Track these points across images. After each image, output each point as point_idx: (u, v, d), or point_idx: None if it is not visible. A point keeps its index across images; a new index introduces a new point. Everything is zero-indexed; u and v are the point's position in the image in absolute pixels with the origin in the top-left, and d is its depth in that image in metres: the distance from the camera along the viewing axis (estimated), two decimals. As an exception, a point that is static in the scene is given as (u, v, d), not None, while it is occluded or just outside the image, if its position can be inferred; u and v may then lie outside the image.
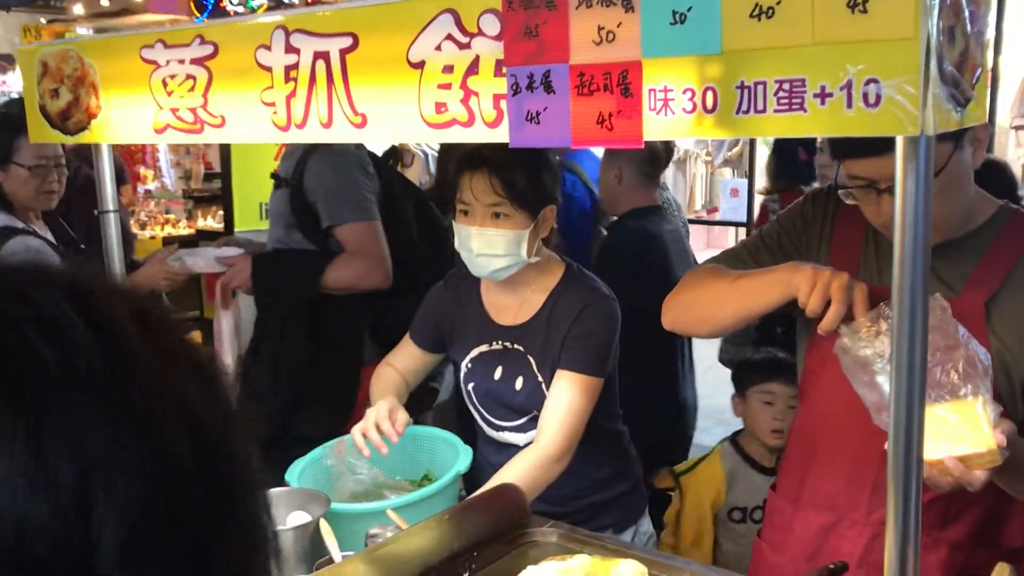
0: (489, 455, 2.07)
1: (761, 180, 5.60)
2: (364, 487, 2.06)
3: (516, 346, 2.02)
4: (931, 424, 1.16)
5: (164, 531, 0.44)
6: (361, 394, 2.81)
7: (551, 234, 2.02)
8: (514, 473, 1.83)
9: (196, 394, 0.47)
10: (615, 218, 3.46)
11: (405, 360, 2.17)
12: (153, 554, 0.43)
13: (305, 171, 2.64)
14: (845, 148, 1.55)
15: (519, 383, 2.01)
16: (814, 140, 3.97)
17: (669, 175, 4.65)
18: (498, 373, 2.03)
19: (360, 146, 2.76)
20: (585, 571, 1.52)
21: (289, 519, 1.82)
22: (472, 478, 2.08)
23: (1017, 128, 7.49)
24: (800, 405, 1.85)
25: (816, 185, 4.00)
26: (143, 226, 8.30)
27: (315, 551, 1.75)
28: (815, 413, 1.77)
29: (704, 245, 9.21)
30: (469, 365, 2.06)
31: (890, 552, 1.05)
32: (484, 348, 2.04)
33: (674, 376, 3.37)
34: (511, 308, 2.04)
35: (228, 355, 2.78)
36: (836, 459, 1.72)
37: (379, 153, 3.15)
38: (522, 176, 1.89)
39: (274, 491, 1.90)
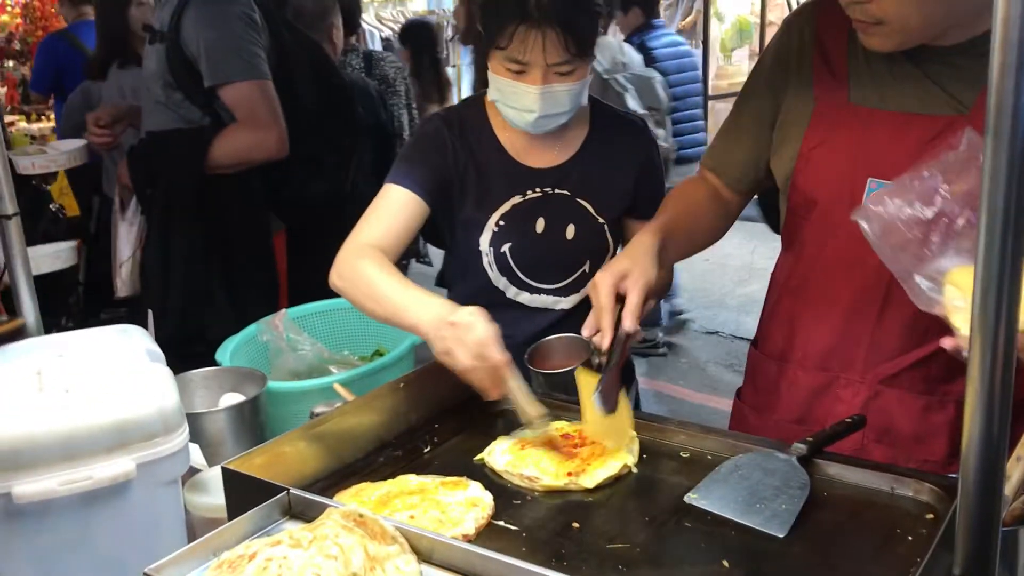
0: (505, 326, 1.45)
1: (715, 49, 5.32)
2: (307, 364, 1.87)
3: (560, 191, 1.76)
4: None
5: None
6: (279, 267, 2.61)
7: None
8: None
9: None
10: None
11: (390, 226, 1.64)
12: None
13: (182, 22, 2.32)
14: None
15: (570, 231, 1.76)
16: None
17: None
18: (540, 225, 1.75)
19: None
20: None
21: (222, 400, 1.62)
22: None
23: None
24: (784, 252, 1.66)
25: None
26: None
27: (254, 436, 1.56)
28: (803, 260, 1.58)
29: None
30: (501, 223, 1.74)
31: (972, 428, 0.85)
32: (518, 199, 1.74)
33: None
34: (543, 150, 1.76)
35: (123, 256, 2.50)
36: (829, 312, 1.54)
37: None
38: (588, 25, 1.63)
39: (203, 371, 1.69)
